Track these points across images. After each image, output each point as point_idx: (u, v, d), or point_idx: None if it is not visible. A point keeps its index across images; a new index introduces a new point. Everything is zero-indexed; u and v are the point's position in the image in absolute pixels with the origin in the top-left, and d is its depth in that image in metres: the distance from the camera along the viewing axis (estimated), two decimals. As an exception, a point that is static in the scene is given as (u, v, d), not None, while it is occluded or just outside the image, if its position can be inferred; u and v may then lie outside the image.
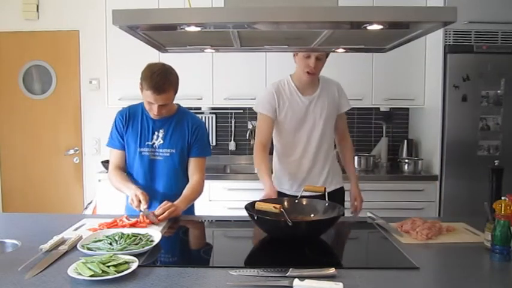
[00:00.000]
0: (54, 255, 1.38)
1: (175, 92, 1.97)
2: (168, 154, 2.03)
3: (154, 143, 2.03)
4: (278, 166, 2.33)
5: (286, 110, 2.23)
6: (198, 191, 2.05)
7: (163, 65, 1.93)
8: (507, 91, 3.02)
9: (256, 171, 2.18)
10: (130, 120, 2.05)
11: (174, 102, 2.05)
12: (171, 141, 2.03)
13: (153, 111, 1.95)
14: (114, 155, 2.09)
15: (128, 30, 1.35)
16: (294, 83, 2.26)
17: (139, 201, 1.83)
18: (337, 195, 2.25)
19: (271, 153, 2.29)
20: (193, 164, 2.07)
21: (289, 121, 2.24)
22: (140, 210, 1.82)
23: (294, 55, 2.22)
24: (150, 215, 1.77)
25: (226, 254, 1.55)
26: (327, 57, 2.19)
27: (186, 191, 1.99)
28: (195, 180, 2.05)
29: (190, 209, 2.15)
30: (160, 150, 2.03)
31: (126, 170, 2.09)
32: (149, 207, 1.84)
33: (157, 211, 1.79)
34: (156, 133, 2.03)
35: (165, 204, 1.83)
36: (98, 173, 3.31)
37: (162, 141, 2.03)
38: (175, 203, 1.88)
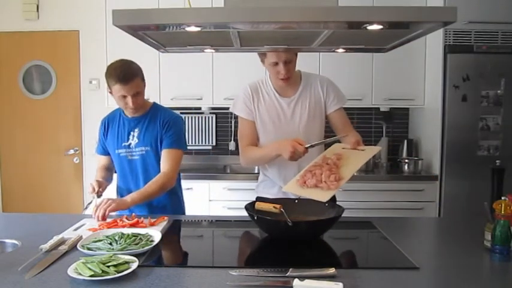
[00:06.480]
0: (54, 255, 1.38)
1: (143, 80, 2.01)
2: (143, 152, 2.05)
3: (130, 143, 2.06)
4: (262, 173, 2.12)
5: (262, 112, 2.01)
6: (160, 183, 1.92)
7: (121, 59, 1.98)
8: (507, 91, 3.02)
9: (259, 159, 2.00)
10: (109, 126, 2.12)
11: (152, 100, 2.14)
12: (145, 139, 2.05)
13: (129, 106, 1.96)
14: (99, 158, 2.22)
15: (127, 30, 1.35)
16: (272, 84, 2.02)
17: (94, 188, 1.94)
18: None
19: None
20: (163, 156, 2.02)
21: (267, 126, 2.01)
22: (93, 196, 1.93)
23: (262, 60, 1.96)
24: (95, 203, 1.86)
25: (226, 254, 1.54)
26: (296, 54, 1.94)
27: (146, 185, 1.94)
28: (161, 171, 1.98)
29: (180, 209, 2.17)
30: (137, 149, 2.05)
31: (112, 170, 2.21)
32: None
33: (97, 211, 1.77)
34: (131, 133, 2.06)
35: (104, 202, 1.80)
36: (98, 173, 3.31)
37: (137, 140, 2.05)
38: (124, 197, 1.90)
